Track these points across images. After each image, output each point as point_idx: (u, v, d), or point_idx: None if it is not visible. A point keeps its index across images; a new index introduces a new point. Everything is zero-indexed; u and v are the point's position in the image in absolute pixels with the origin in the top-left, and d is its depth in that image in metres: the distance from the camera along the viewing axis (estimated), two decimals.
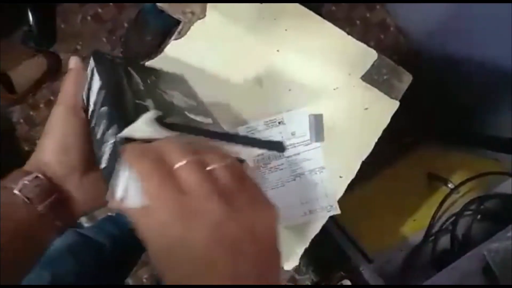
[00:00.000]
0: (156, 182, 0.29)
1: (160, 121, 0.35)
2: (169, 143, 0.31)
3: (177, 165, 0.29)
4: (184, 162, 0.29)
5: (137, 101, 0.39)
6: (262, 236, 0.30)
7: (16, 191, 0.39)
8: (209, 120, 0.43)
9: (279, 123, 0.59)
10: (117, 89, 0.40)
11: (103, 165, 0.38)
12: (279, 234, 0.32)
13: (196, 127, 0.36)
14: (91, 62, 0.44)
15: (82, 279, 0.69)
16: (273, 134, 0.59)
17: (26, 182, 0.40)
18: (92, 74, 0.42)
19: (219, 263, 0.28)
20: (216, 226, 0.28)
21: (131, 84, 0.42)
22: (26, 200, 0.40)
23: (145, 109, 0.37)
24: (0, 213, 0.37)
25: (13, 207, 0.40)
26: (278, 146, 0.38)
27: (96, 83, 0.41)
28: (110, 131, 0.35)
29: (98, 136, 0.38)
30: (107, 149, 0.36)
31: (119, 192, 0.33)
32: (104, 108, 0.38)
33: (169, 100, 0.43)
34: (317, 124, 0.59)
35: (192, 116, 0.42)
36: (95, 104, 0.40)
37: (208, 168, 0.30)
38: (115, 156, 0.36)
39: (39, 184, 0.40)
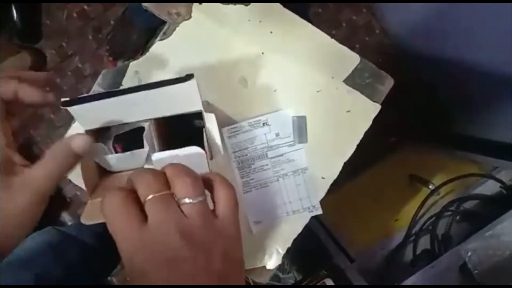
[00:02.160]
0: (120, 217, 0.31)
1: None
2: (142, 175, 0.32)
3: (145, 199, 0.31)
4: (150, 197, 0.31)
5: None
6: (221, 271, 0.31)
7: None
8: None
9: (263, 124, 0.60)
10: None
11: None
12: (243, 261, 0.35)
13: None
14: None
15: (65, 277, 0.69)
16: (257, 135, 0.60)
17: None
18: None
19: None
20: (173, 262, 0.30)
21: None
22: None
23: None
24: None
25: None
26: (186, 78, 0.42)
27: None
28: None
29: None
30: None
31: None
32: None
33: None
34: (301, 126, 0.60)
35: None
36: None
37: (176, 202, 0.32)
38: None
39: None
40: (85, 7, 1.33)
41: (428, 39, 1.22)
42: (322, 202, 0.62)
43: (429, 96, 1.39)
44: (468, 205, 0.92)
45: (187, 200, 0.32)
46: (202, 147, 0.46)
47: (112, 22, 1.33)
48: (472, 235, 0.77)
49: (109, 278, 1.34)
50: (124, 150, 0.46)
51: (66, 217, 1.32)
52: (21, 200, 0.35)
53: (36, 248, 0.70)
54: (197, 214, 0.32)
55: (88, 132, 0.44)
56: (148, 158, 0.45)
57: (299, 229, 0.63)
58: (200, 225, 0.32)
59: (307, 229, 0.63)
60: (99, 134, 0.46)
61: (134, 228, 0.30)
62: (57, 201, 1.31)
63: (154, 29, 1.20)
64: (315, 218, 0.63)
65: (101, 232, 0.91)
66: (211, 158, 0.46)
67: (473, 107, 1.21)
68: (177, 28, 0.61)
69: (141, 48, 1.24)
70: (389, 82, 0.62)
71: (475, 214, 0.91)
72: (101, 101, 0.41)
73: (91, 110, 0.42)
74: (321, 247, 1.01)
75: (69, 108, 0.41)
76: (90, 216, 0.40)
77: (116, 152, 0.46)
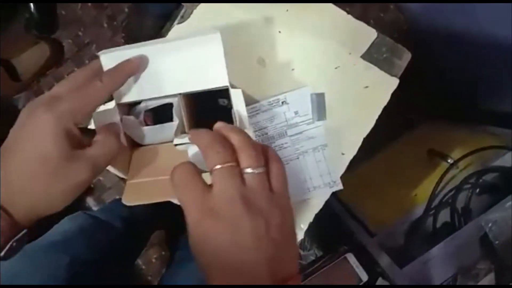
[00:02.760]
0: (188, 187, 0.34)
1: None
2: (213, 145, 0.35)
3: (213, 168, 0.34)
4: (218, 167, 0.34)
5: None
6: (278, 241, 0.34)
7: None
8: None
9: (282, 102, 0.61)
10: None
11: None
12: (295, 231, 0.37)
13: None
14: None
15: (97, 260, 0.72)
16: (277, 114, 0.61)
17: None
18: None
19: (236, 263, 0.33)
20: (236, 226, 0.32)
21: None
22: None
23: None
24: None
25: None
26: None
27: None
28: None
29: None
30: None
31: None
32: None
33: None
34: (319, 103, 0.61)
35: None
36: None
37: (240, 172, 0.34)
38: None
39: None
40: None
41: (443, 14, 1.20)
42: (342, 178, 0.63)
43: (445, 71, 1.37)
44: (488, 177, 0.91)
45: (249, 170, 0.34)
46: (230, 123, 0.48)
47: (126, 10, 1.35)
48: (492, 207, 0.77)
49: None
50: (154, 124, 0.48)
51: (90, 202, 1.36)
52: (79, 171, 0.38)
53: (70, 232, 0.73)
54: (257, 183, 0.34)
55: (120, 105, 0.46)
56: (177, 131, 0.47)
57: (320, 204, 0.64)
58: (260, 194, 0.34)
59: (327, 205, 0.64)
60: (130, 109, 0.49)
61: (201, 196, 0.33)
62: None
63: (168, 14, 1.21)
64: (334, 195, 0.64)
65: (127, 216, 0.94)
66: None
67: (489, 79, 1.19)
68: (194, 11, 0.62)
69: (157, 33, 1.25)
70: (407, 56, 0.63)
71: (494, 187, 0.90)
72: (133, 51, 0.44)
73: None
74: (341, 224, 1.02)
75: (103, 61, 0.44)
76: (132, 197, 0.43)
77: (147, 125, 0.48)
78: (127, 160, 0.47)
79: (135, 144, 0.49)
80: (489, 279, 0.74)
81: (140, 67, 0.45)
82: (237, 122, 0.47)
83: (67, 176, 0.37)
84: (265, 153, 0.37)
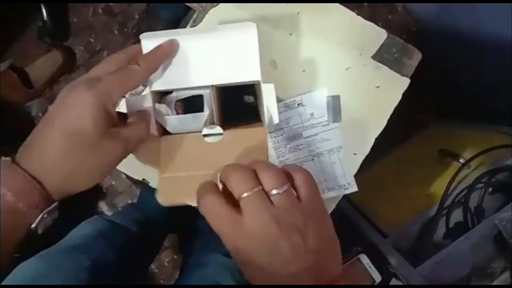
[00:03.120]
0: (219, 217, 0.35)
1: None
2: (236, 173, 0.36)
3: (240, 196, 0.35)
4: (245, 194, 0.34)
5: None
6: (317, 249, 0.35)
7: None
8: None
9: (298, 104, 0.62)
10: None
11: None
12: (336, 237, 0.38)
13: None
14: None
15: (117, 262, 0.73)
16: (293, 116, 0.62)
17: None
18: None
19: (280, 277, 0.34)
20: (273, 247, 0.34)
21: None
22: None
23: None
24: None
25: None
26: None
27: None
28: None
29: None
30: None
31: None
32: None
33: None
34: (335, 105, 0.61)
35: None
36: None
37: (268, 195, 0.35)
38: None
39: None
40: (110, 3, 1.37)
41: (450, 15, 1.20)
42: (354, 179, 0.64)
43: (454, 71, 1.37)
44: (500, 176, 0.91)
45: (274, 191, 0.35)
46: (256, 118, 0.49)
47: (136, 17, 1.36)
48: (505, 205, 0.77)
49: None
50: (184, 114, 0.49)
51: (103, 207, 1.38)
52: (112, 148, 0.40)
53: (89, 235, 0.74)
54: (285, 202, 0.35)
55: (152, 93, 0.47)
56: (207, 122, 0.48)
57: (333, 205, 0.64)
58: (289, 210, 0.35)
59: (338, 208, 0.64)
60: (161, 97, 0.50)
61: (233, 226, 0.34)
62: (94, 192, 1.36)
63: (178, 20, 1.22)
64: (345, 197, 0.64)
65: (141, 220, 0.95)
66: (268, 127, 0.49)
67: (499, 78, 1.19)
68: (206, 15, 0.63)
69: None
70: (417, 56, 0.63)
71: (507, 185, 0.90)
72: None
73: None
74: (353, 225, 1.02)
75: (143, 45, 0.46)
76: (167, 196, 0.44)
77: (177, 114, 0.49)
78: (157, 148, 0.48)
79: (164, 133, 0.50)
80: (504, 278, 0.73)
81: (172, 52, 0.46)
82: (266, 118, 0.48)
83: (101, 152, 0.39)
84: (287, 172, 0.38)
